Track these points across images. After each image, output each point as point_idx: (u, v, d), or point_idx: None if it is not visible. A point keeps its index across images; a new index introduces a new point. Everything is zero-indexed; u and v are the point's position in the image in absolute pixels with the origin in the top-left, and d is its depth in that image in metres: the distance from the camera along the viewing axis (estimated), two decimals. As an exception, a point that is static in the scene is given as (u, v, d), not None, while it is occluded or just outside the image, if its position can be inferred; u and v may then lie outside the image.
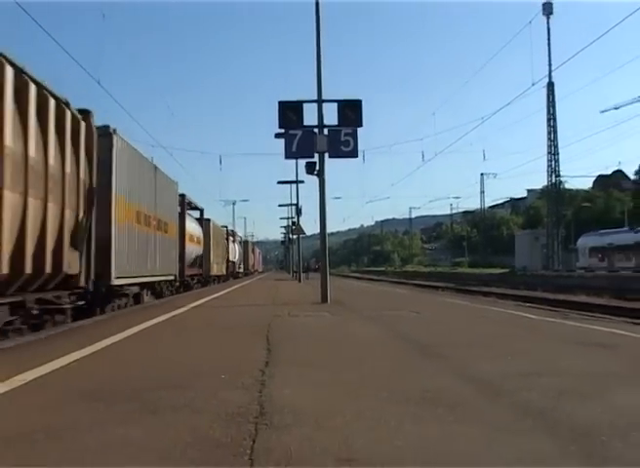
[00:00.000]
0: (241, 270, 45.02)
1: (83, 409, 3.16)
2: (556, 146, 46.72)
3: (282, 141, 11.47)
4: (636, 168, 70.04)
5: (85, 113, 8.56)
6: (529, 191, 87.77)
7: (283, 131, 11.52)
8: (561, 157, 48.04)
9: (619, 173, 74.82)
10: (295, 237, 33.88)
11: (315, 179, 12.02)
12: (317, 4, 12.13)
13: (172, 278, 16.13)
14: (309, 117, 11.53)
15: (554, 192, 49.22)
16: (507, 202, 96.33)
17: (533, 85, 30.84)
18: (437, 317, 9.05)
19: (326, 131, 11.50)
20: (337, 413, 2.99)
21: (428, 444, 2.51)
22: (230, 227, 39.61)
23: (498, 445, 2.47)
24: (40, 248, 6.92)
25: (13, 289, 6.61)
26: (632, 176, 72.25)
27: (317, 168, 11.85)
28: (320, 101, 11.75)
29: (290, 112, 11.23)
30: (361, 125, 11.41)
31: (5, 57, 6.11)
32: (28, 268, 6.60)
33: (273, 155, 18.88)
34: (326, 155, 11.67)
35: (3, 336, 6.48)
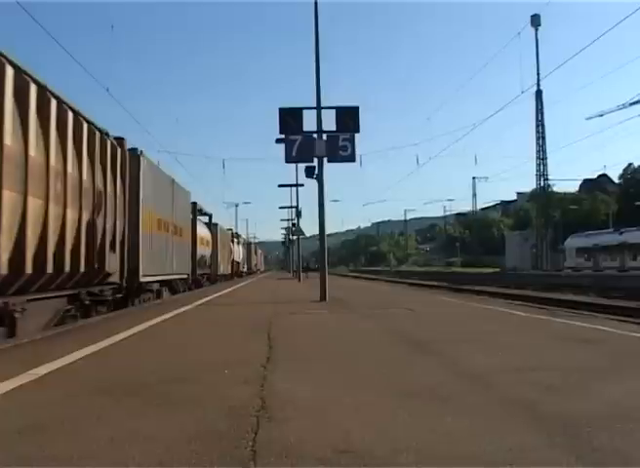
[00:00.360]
0: (245, 270, 47.30)
1: (92, 402, 3.24)
2: (544, 151, 47.56)
3: (282, 146, 11.74)
4: (620, 172, 71.19)
5: (120, 140, 10.35)
6: (519, 194, 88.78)
7: (283, 136, 11.75)
8: (549, 161, 49.13)
9: (604, 177, 75.88)
10: (295, 238, 34.32)
11: (314, 183, 12.31)
12: (316, 19, 12.53)
13: (185, 276, 17.80)
14: (309, 123, 11.84)
15: (543, 195, 50.01)
16: (498, 204, 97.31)
17: (522, 93, 31.49)
18: (431, 314, 9.17)
19: (325, 136, 11.82)
20: (335, 407, 3.08)
21: (422, 435, 2.59)
22: (233, 229, 40.77)
23: (488, 436, 2.56)
24: (91, 251, 8.55)
25: (70, 284, 8.22)
26: (617, 180, 73.32)
27: (316, 172, 12.16)
28: (319, 108, 12.09)
29: (290, 118, 11.52)
30: (358, 131, 11.71)
31: (72, 108, 7.96)
32: (82, 267, 8.18)
33: (274, 160, 19.29)
34: (325, 159, 11.98)
35: (62, 321, 8.12)
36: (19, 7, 9.01)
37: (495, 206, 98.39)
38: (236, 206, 58.04)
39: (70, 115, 7.81)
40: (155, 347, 5.71)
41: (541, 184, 49.28)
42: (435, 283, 30.76)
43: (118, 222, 10.05)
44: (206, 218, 25.80)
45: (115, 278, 10.13)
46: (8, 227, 6.07)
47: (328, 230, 13.13)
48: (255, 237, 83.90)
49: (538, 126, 47.51)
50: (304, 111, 11.85)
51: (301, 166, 14.29)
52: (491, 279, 32.81)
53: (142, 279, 11.85)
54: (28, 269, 6.52)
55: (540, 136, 47.64)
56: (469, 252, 79.15)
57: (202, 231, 23.11)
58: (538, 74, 43.91)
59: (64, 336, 6.55)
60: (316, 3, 12.67)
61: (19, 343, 5.80)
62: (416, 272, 56.28)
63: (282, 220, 44.04)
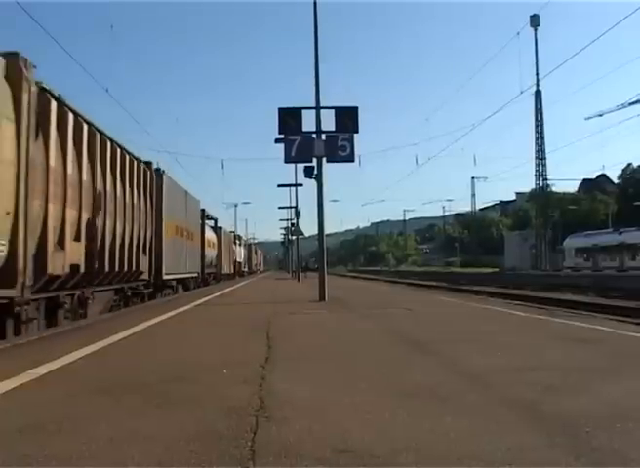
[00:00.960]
0: (246, 269, 50.37)
1: (92, 402, 3.25)
2: (543, 151, 47.61)
3: (282, 146, 11.77)
4: (619, 172, 71.29)
5: (149, 163, 13.18)
6: (518, 194, 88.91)
7: (283, 136, 11.79)
8: (548, 162, 48.99)
9: (603, 177, 75.96)
10: (294, 238, 34.37)
11: (314, 183, 12.35)
12: (315, 20, 12.58)
13: (196, 275, 20.39)
14: (308, 123, 11.88)
15: (542, 195, 50.07)
16: (497, 204, 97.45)
17: (521, 93, 31.49)
18: (430, 314, 9.18)
19: (324, 136, 11.85)
20: (334, 406, 3.08)
21: (421, 435, 2.59)
22: (232, 229, 42.29)
23: (487, 436, 2.56)
24: (131, 255, 11.19)
25: (116, 280, 10.74)
26: (616, 180, 73.44)
27: (315, 172, 12.19)
28: (318, 108, 12.12)
29: (289, 118, 11.54)
30: (357, 131, 11.75)
31: (119, 145, 10.52)
32: (125, 268, 10.77)
33: (273, 160, 19.55)
34: (324, 159, 12.01)
35: (110, 309, 10.63)
36: (18, 7, 9.01)
37: (494, 206, 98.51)
38: (235, 206, 58.32)
39: (119, 150, 10.50)
40: (155, 347, 5.71)
41: (541, 184, 49.37)
42: (434, 283, 30.78)
43: (148, 231, 12.77)
44: (212, 222, 28.38)
45: (145, 276, 12.87)
46: (87, 239, 8.71)
47: (327, 230, 13.15)
48: (254, 237, 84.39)
49: (537, 126, 47.58)
50: (304, 111, 11.87)
51: (300, 166, 14.28)
52: (490, 279, 32.83)
53: (165, 277, 14.63)
54: (89, 268, 8.82)
55: (540, 137, 47.71)
56: (468, 252, 79.23)
57: (209, 234, 25.35)
58: (537, 74, 43.98)
59: (65, 336, 6.56)
60: (315, 4, 12.68)
61: (19, 343, 5.81)
62: (415, 272, 56.33)
63: (281, 220, 44.32)
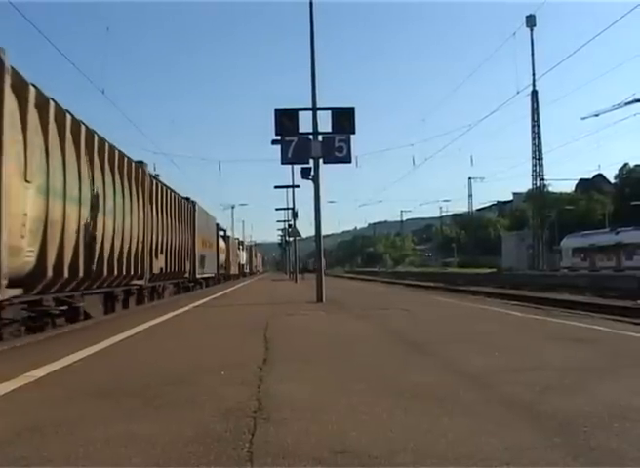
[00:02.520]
0: (247, 271, 57.45)
1: (90, 404, 3.24)
2: (540, 151, 47.75)
3: (279, 148, 11.78)
4: (616, 172, 71.51)
5: (188, 198, 19.43)
6: (515, 194, 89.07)
7: (279, 137, 11.80)
8: (545, 162, 49.13)
9: (599, 177, 76.12)
10: (291, 239, 34.41)
11: (311, 184, 12.35)
12: (311, 21, 12.58)
13: (213, 275, 26.54)
14: (304, 124, 11.87)
15: (539, 195, 50.19)
16: (494, 205, 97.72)
17: (517, 93, 31.54)
18: (427, 315, 9.19)
19: (320, 137, 11.85)
20: (331, 407, 3.08)
21: (419, 435, 2.59)
22: (229, 230, 43.88)
23: (485, 436, 2.55)
24: (183, 261, 17.55)
25: (176, 278, 17.21)
26: (612, 180, 73.66)
27: (312, 173, 12.20)
28: (315, 109, 12.12)
29: (286, 120, 11.54)
30: (354, 132, 11.77)
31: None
32: (180, 270, 17.17)
33: (270, 161, 20.26)
34: (320, 161, 12.01)
35: (174, 294, 17.34)
36: (11, 7, 9.03)
37: (491, 206, 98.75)
38: (232, 207, 58.41)
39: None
40: (153, 349, 5.71)
41: (537, 184, 49.47)
42: (432, 283, 30.79)
43: (189, 245, 18.80)
44: (222, 232, 33.77)
45: (187, 275, 18.96)
46: (165, 253, 14.68)
47: (324, 231, 13.14)
48: (251, 238, 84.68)
49: (533, 126, 47.70)
50: (300, 113, 11.87)
51: (297, 167, 14.32)
52: (487, 279, 32.86)
53: (197, 276, 20.91)
54: (165, 270, 14.75)
55: (536, 137, 47.84)
56: (466, 252, 79.37)
57: (221, 242, 31.32)
58: (533, 74, 44.12)
59: (64, 338, 6.56)
60: (311, 4, 12.69)
61: (17, 345, 5.81)
62: (412, 273, 56.36)
63: (278, 222, 44.39)
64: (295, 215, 31.37)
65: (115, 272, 10.11)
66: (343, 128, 11.72)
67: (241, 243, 52.59)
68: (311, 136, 11.92)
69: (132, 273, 11.30)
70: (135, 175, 11.60)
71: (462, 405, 3.15)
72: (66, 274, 7.84)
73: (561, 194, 69.59)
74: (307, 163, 12.21)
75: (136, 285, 12.23)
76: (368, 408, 3.08)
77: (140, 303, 12.94)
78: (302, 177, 12.49)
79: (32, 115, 6.85)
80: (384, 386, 3.65)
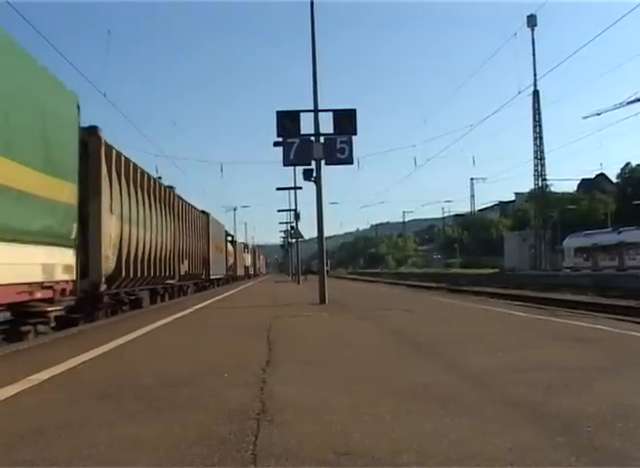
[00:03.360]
0: (252, 272, 60.50)
1: (93, 407, 3.25)
2: (542, 151, 47.77)
3: (281, 149, 11.79)
4: (618, 171, 71.36)
5: (204, 212, 23.27)
6: (517, 194, 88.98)
7: (281, 139, 11.82)
8: (547, 162, 49.06)
9: (601, 176, 75.96)
10: (294, 241, 34.44)
11: (313, 186, 12.36)
12: (312, 23, 12.61)
13: (223, 276, 30.37)
14: (306, 126, 11.89)
15: (541, 195, 50.16)
16: (496, 205, 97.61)
17: (519, 93, 31.52)
18: (430, 315, 9.20)
19: (322, 139, 11.86)
20: (335, 409, 3.08)
21: (422, 436, 2.58)
22: (232, 232, 44.72)
23: (489, 436, 2.55)
24: (200, 265, 21.38)
25: (195, 278, 21.08)
26: (615, 180, 73.49)
27: (314, 174, 12.20)
28: (316, 111, 12.15)
29: (287, 121, 11.56)
30: (356, 133, 11.76)
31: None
32: (196, 271, 20.63)
33: (272, 163, 20.32)
34: (322, 162, 12.02)
35: (195, 292, 21.50)
36: (13, 8, 9.06)
37: (493, 206, 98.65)
38: (234, 209, 58.54)
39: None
40: (156, 351, 5.72)
41: (539, 184, 49.48)
42: (434, 284, 30.77)
43: (205, 250, 22.52)
44: (230, 237, 37.61)
45: (203, 276, 22.81)
46: (187, 259, 18.38)
47: (326, 233, 13.17)
48: (253, 240, 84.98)
49: (535, 126, 47.73)
50: (302, 114, 11.88)
51: (299, 169, 14.33)
52: (490, 280, 32.83)
53: (211, 277, 24.88)
54: (188, 272, 18.45)
55: (538, 137, 47.85)
56: (468, 252, 79.34)
57: (229, 247, 35.21)
58: (534, 75, 44.22)
59: (67, 341, 6.59)
60: (312, 4, 12.71)
61: (20, 348, 5.82)
62: (414, 274, 56.33)
63: (281, 223, 44.45)
64: (297, 217, 31.44)
65: (157, 273, 13.64)
66: (345, 129, 11.72)
67: (246, 246, 55.89)
68: (313, 138, 11.94)
69: (166, 274, 14.91)
70: (167, 199, 15.31)
71: (465, 405, 3.15)
72: (132, 274, 11.33)
73: (563, 194, 69.46)
74: (309, 164, 12.21)
75: (169, 283, 16.02)
76: (371, 408, 3.08)
77: (172, 298, 16.99)
78: (305, 179, 12.50)
79: (114, 171, 10.20)
80: (387, 387, 3.65)
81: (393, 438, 2.57)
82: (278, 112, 11.68)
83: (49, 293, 6.66)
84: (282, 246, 56.26)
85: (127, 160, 11.27)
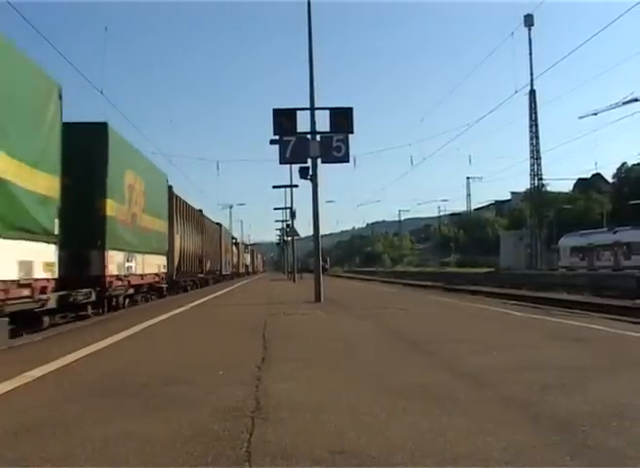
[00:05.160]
0: (250, 270, 65.99)
1: (88, 404, 3.24)
2: (538, 151, 47.78)
3: (277, 147, 11.77)
4: (614, 171, 71.55)
5: (219, 223, 33.04)
6: (513, 194, 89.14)
7: (278, 137, 11.81)
8: (543, 161, 49.08)
9: (597, 176, 76.13)
10: (289, 239, 34.43)
11: (309, 184, 12.34)
12: (309, 21, 12.57)
13: (230, 273, 37.16)
14: (303, 124, 11.86)
15: (537, 195, 50.24)
16: (492, 204, 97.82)
17: (516, 92, 31.49)
18: (426, 314, 9.20)
19: (318, 137, 11.84)
20: (330, 407, 3.08)
21: (417, 435, 2.58)
22: (228, 229, 45.15)
23: (484, 435, 2.55)
24: (215, 263, 29.49)
25: (212, 273, 28.25)
26: (610, 180, 73.71)
27: (310, 172, 12.19)
28: (313, 109, 12.11)
29: (284, 119, 11.53)
30: (352, 131, 11.77)
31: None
32: (214, 269, 29.14)
33: (269, 161, 20.16)
34: (319, 160, 12.01)
35: (209, 285, 26.96)
36: (12, 7, 9.01)
37: (489, 206, 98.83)
38: (230, 207, 58.46)
39: (210, 224, 28.06)
40: (150, 348, 5.71)
41: (535, 184, 49.52)
42: (430, 283, 30.81)
43: (218, 253, 30.05)
44: (234, 240, 44.16)
45: (218, 272, 29.88)
46: (209, 261, 26.32)
47: (322, 231, 13.17)
48: (249, 238, 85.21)
49: (531, 126, 47.74)
50: (298, 112, 11.86)
51: (296, 167, 14.33)
52: (486, 279, 32.89)
53: (223, 273, 32.09)
54: (209, 269, 26.60)
55: (534, 136, 47.87)
56: (464, 251, 79.48)
57: (234, 248, 42.75)
58: (531, 74, 44.09)
59: (62, 338, 6.55)
60: (309, 3, 12.68)
61: (15, 345, 5.79)
62: (410, 272, 56.37)
63: (276, 221, 44.51)
64: (293, 215, 31.30)
65: (194, 270, 21.41)
66: (341, 127, 11.71)
67: (246, 247, 63.17)
68: (309, 136, 11.93)
69: (198, 270, 22.66)
70: (198, 220, 22.95)
71: (461, 404, 3.15)
72: (184, 270, 18.90)
73: (559, 193, 69.62)
74: (306, 163, 12.20)
75: (199, 277, 23.36)
76: (366, 407, 3.07)
77: (201, 287, 23.63)
78: (301, 177, 12.49)
79: (175, 208, 17.30)
80: (383, 385, 3.65)
81: (388, 437, 2.57)
82: (275, 110, 11.65)
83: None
84: (278, 244, 56.18)
85: (182, 201, 18.93)
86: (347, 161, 12.02)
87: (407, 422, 2.80)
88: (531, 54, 44.30)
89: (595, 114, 47.72)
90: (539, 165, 48.38)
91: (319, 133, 11.93)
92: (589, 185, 74.11)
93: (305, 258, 59.55)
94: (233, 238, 43.79)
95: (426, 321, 8.22)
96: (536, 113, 47.17)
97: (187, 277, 20.07)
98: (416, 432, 2.64)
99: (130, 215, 10.69)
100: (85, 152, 8.84)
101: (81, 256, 8.72)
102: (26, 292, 6.28)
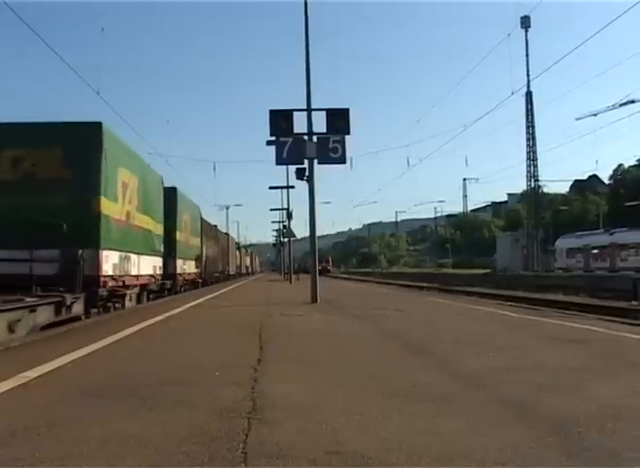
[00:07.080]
0: (250, 271, 70.37)
1: (84, 404, 3.23)
2: (535, 152, 47.85)
3: (273, 148, 11.75)
4: (610, 173, 71.82)
5: (227, 233, 41.66)
6: (509, 195, 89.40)
7: (274, 138, 11.80)
8: (539, 162, 49.19)
9: (594, 177, 76.36)
10: (286, 240, 34.44)
11: (305, 185, 12.33)
12: (306, 22, 12.57)
13: (234, 273, 41.30)
14: (299, 125, 11.85)
15: (533, 196, 50.35)
16: (489, 205, 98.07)
17: (512, 94, 31.42)
18: (422, 315, 9.20)
19: (315, 138, 11.83)
20: (326, 408, 3.08)
21: (413, 436, 2.59)
22: (224, 230, 46.54)
23: (480, 436, 2.56)
24: (225, 265, 36.00)
25: (222, 272, 34.13)
26: (607, 181, 73.97)
27: (307, 173, 12.17)
28: (309, 110, 12.09)
29: (280, 120, 11.52)
30: (349, 132, 11.75)
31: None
32: (224, 269, 35.18)
33: (265, 162, 20.05)
34: (315, 161, 11.99)
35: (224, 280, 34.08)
36: (9, 8, 9.03)
37: (485, 207, 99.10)
38: (227, 208, 58.49)
39: (220, 234, 35.07)
40: (146, 349, 5.69)
41: (532, 185, 49.57)
42: (426, 284, 30.80)
43: (227, 256, 36.14)
44: (236, 244, 49.17)
45: (226, 272, 35.15)
46: (223, 265, 34.65)
47: (319, 232, 13.15)
48: (246, 239, 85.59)
49: (528, 127, 47.80)
50: (295, 113, 11.84)
51: (292, 168, 14.32)
52: (482, 280, 32.93)
53: (230, 273, 37.64)
54: (220, 269, 33.13)
55: (531, 138, 47.93)
56: (460, 253, 79.63)
57: (237, 252, 47.82)
58: (527, 75, 44.17)
59: (58, 339, 6.52)
60: (306, 4, 12.68)
61: (10, 346, 5.76)
62: (407, 273, 56.41)
63: (273, 222, 44.59)
64: (289, 216, 31.37)
65: (211, 271, 26.95)
66: (338, 128, 11.71)
67: (246, 250, 68.91)
68: (306, 137, 11.91)
69: (215, 271, 28.81)
70: (214, 232, 29.21)
71: (457, 405, 3.16)
72: (210, 270, 27.03)
73: (556, 195, 69.82)
74: (302, 164, 12.18)
75: (215, 275, 28.75)
76: (362, 408, 3.08)
77: (214, 284, 27.24)
78: (297, 178, 12.47)
79: (203, 231, 23.80)
80: (379, 386, 3.65)
81: (384, 437, 2.57)
82: (271, 111, 11.64)
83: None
84: (274, 245, 56.13)
85: (206, 221, 25.40)
86: (344, 162, 12.03)
87: (403, 423, 2.80)
88: (527, 55, 44.40)
89: (595, 115, 47.79)
90: (535, 166, 48.48)
91: (316, 134, 11.92)
92: (586, 187, 74.37)
93: (304, 258, 59.42)
94: (236, 243, 49.43)
95: (422, 322, 8.22)
96: (532, 115, 47.27)
97: (209, 276, 26.76)
98: (412, 432, 2.64)
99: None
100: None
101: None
102: (153, 280, 13.59)
